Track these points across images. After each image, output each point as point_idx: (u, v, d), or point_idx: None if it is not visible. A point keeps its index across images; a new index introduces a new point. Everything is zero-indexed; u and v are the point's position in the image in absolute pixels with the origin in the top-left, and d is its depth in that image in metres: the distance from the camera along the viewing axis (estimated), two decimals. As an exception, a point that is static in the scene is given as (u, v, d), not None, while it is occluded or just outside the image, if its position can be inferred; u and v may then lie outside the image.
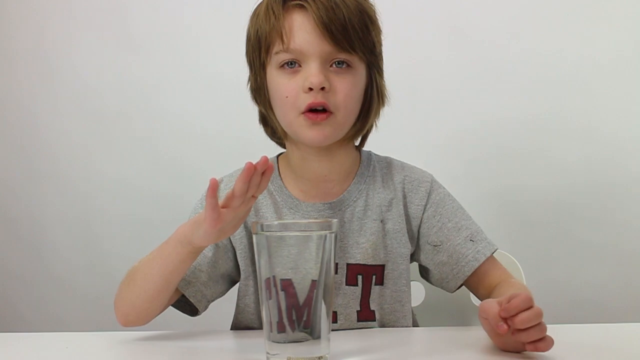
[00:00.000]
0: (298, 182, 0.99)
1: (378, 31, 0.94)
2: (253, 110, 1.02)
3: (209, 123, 1.66)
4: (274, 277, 0.68)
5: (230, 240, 0.98)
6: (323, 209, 0.97)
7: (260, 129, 1.03)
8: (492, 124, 1.57)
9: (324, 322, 0.69)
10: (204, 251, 0.94)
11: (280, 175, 1.00)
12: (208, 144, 1.67)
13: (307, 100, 0.87)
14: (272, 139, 1.02)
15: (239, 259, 0.98)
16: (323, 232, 0.68)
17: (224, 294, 1.01)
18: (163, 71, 1.69)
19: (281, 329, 0.68)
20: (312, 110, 0.88)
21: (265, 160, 0.74)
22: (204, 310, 0.97)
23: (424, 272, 1.03)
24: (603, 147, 1.53)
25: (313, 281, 0.68)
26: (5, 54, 1.78)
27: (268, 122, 0.99)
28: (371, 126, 0.99)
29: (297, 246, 0.68)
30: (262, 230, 0.69)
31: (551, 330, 0.92)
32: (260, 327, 0.96)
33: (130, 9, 1.71)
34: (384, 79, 0.97)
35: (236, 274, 1.00)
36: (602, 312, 1.51)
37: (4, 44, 1.78)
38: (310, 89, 0.86)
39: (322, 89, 0.87)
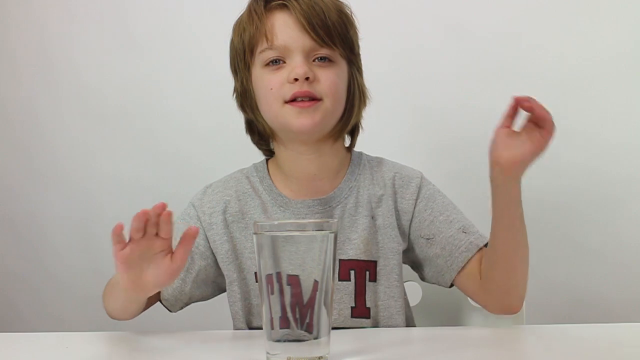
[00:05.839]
0: (288, 182, 1.00)
1: (355, 32, 0.98)
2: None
3: (211, 122, 1.66)
4: (278, 273, 0.68)
5: (210, 247, 0.98)
6: (313, 205, 0.98)
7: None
8: (491, 124, 1.57)
9: (324, 322, 0.68)
10: None
11: (270, 176, 1.02)
12: (210, 144, 1.66)
13: (292, 90, 0.90)
14: (259, 146, 1.05)
15: (220, 265, 0.99)
16: (324, 232, 0.68)
17: (208, 298, 1.02)
18: (164, 70, 1.69)
19: (284, 324, 0.68)
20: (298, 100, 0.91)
21: (160, 205, 0.73)
22: (179, 310, 0.99)
23: (419, 270, 1.03)
24: (602, 148, 1.53)
25: (315, 281, 0.68)
26: (6, 54, 1.77)
27: (254, 128, 1.02)
28: (356, 125, 1.02)
29: (303, 244, 0.68)
30: (264, 231, 0.69)
31: (551, 330, 0.92)
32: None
33: (130, 8, 1.71)
34: (364, 80, 1.01)
35: (222, 280, 1.00)
36: (602, 312, 1.51)
37: (4, 43, 1.77)
38: (296, 79, 0.90)
39: (307, 79, 0.90)
